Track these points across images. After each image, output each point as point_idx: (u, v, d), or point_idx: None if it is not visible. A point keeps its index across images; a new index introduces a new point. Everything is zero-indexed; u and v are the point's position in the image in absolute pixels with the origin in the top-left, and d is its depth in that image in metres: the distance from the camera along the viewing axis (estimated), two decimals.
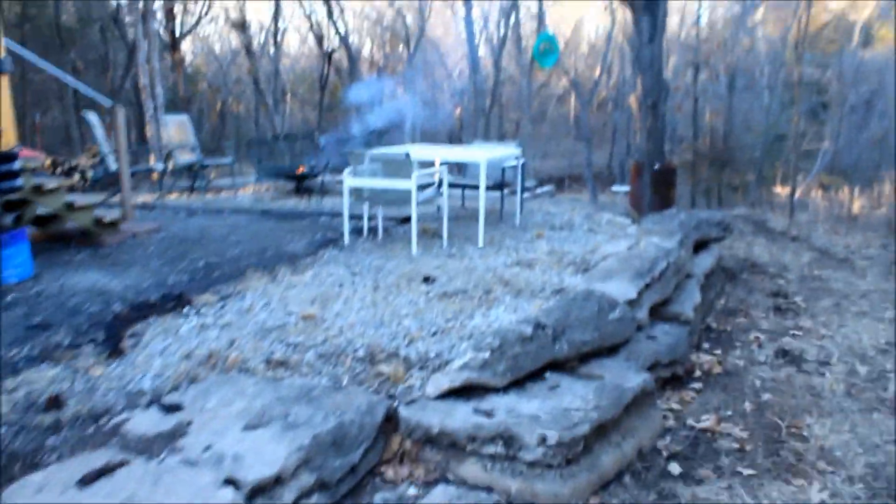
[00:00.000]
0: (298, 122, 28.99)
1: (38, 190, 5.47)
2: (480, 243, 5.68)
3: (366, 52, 30.43)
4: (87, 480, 2.36)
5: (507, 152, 6.46)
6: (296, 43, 28.44)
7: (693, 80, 18.00)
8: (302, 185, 8.52)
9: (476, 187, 6.95)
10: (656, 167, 9.17)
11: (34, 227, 6.23)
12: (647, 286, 4.44)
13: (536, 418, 2.93)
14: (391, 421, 3.01)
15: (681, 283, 5.13)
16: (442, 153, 5.95)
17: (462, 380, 3.14)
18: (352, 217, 6.45)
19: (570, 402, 3.09)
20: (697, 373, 4.31)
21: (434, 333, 3.73)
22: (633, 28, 9.98)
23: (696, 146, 17.97)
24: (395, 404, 3.03)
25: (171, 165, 9.03)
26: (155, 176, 11.16)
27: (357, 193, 5.52)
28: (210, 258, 5.46)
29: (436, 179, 5.61)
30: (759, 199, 16.79)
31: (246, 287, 4.60)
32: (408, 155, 5.09)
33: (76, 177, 12.92)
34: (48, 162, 13.07)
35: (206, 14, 24.58)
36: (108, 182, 7.97)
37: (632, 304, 4.16)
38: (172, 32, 13.12)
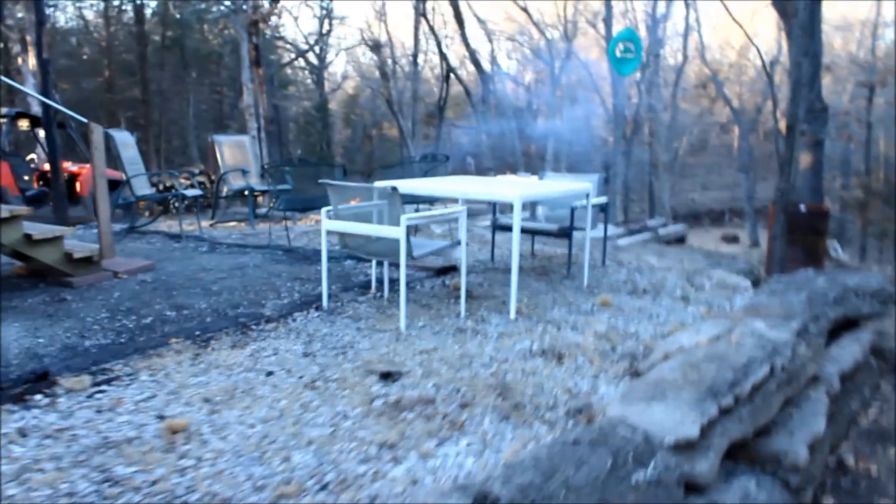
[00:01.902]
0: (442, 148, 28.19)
1: None
2: (512, 313, 4.15)
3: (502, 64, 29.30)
4: None
5: (567, 187, 4.87)
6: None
7: (867, 102, 15.24)
8: None
9: (541, 232, 5.44)
10: (801, 209, 7.19)
11: (17, 261, 5.41)
12: (724, 412, 2.76)
13: None
14: None
15: (795, 398, 3.36)
16: (462, 188, 4.48)
17: None
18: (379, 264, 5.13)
19: None
20: None
21: (323, 487, 2.28)
22: (787, 40, 8.08)
23: (867, 181, 15.16)
24: None
25: (224, 191, 8.15)
26: (262, 200, 10.43)
27: (345, 239, 4.16)
28: (167, 312, 4.31)
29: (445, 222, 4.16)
30: None
31: (151, 365, 3.36)
32: (394, 189, 3.68)
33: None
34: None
35: (328, 32, 24.50)
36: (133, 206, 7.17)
37: (685, 448, 2.51)
38: (256, 47, 12.45)
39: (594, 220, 5.74)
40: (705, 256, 6.83)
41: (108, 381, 3.17)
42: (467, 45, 21.78)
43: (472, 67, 24.18)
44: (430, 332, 3.87)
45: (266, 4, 12.08)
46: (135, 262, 5.47)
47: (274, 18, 11.99)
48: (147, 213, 9.61)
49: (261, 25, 12.11)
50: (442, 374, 3.19)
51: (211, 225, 8.13)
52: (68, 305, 4.53)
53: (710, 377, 2.93)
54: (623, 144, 18.07)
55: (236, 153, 8.20)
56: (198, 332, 3.82)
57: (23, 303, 4.62)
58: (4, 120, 9.82)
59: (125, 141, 6.93)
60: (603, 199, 5.65)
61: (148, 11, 20.84)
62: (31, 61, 11.69)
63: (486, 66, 27.05)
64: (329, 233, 4.18)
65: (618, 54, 8.76)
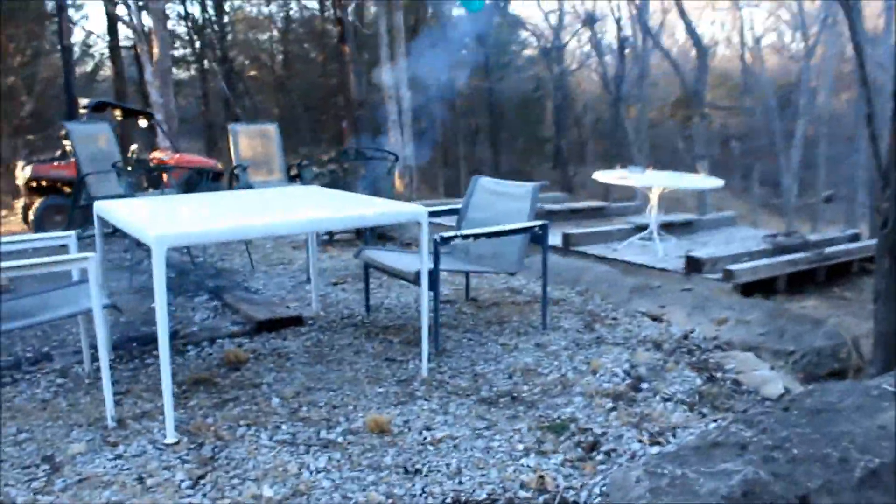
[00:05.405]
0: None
1: None
2: (169, 433, 2.54)
3: None
4: None
5: (304, 218, 3.00)
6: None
7: None
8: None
9: (394, 274, 3.68)
10: None
11: None
12: None
13: None
14: None
15: None
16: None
17: None
18: None
19: None
20: None
21: None
22: None
23: None
24: None
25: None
26: None
27: None
28: None
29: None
30: None
31: None
32: None
33: None
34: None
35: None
36: None
37: None
38: (340, 22, 11.08)
39: (521, 255, 3.76)
40: (773, 315, 4.26)
41: None
42: (683, 15, 18.55)
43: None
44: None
45: None
46: None
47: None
48: None
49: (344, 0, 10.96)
50: None
51: None
52: None
53: None
54: (866, 124, 13.85)
55: (256, 145, 7.17)
56: None
57: None
58: (86, 111, 9.80)
59: (87, 134, 6.23)
60: (537, 223, 3.64)
61: None
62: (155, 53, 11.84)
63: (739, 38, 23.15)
64: None
65: None
